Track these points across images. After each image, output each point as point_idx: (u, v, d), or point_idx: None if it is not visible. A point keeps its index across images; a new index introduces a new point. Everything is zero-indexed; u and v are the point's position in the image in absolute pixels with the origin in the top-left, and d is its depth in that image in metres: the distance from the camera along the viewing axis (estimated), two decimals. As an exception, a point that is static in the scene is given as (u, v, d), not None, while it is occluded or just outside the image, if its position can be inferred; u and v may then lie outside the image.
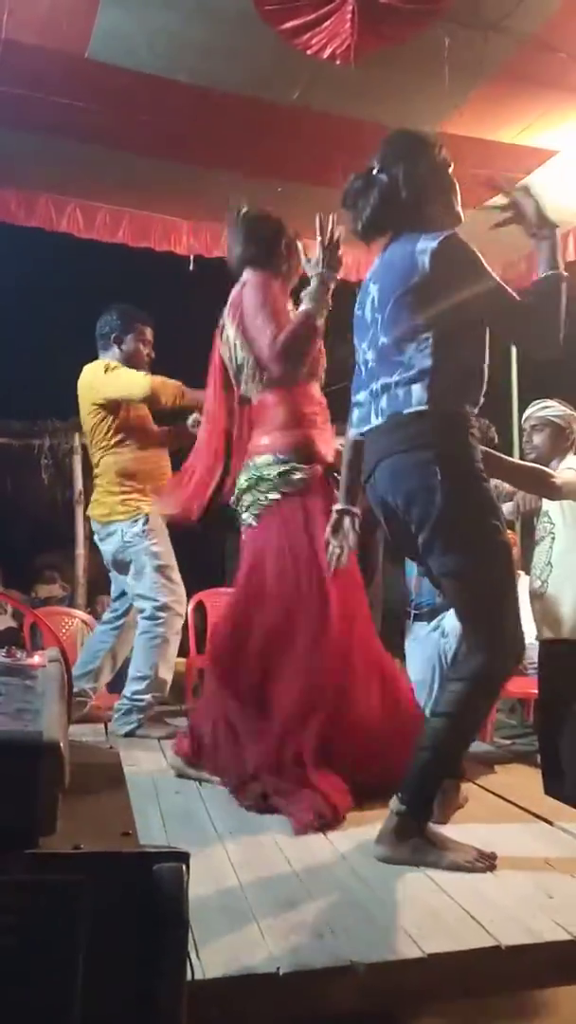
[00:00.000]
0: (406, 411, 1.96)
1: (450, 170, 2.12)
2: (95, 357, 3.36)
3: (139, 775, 2.43)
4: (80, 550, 6.32)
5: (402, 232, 2.05)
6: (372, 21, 3.04)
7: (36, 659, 1.18)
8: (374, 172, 2.10)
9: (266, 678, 2.42)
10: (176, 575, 3.21)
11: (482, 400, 2.04)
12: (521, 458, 3.05)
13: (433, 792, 1.92)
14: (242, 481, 2.61)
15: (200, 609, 4.27)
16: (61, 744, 0.83)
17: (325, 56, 3.17)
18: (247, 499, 2.60)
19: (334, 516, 2.30)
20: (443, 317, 1.95)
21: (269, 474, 2.54)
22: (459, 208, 2.12)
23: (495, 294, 1.94)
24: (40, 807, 0.81)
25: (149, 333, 3.39)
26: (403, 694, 2.52)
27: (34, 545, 7.06)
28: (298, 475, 2.52)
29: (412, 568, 3.31)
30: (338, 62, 3.18)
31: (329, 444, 2.62)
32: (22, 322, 7.27)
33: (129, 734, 3.04)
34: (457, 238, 1.98)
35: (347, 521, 2.26)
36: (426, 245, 1.95)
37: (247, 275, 2.63)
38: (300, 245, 2.72)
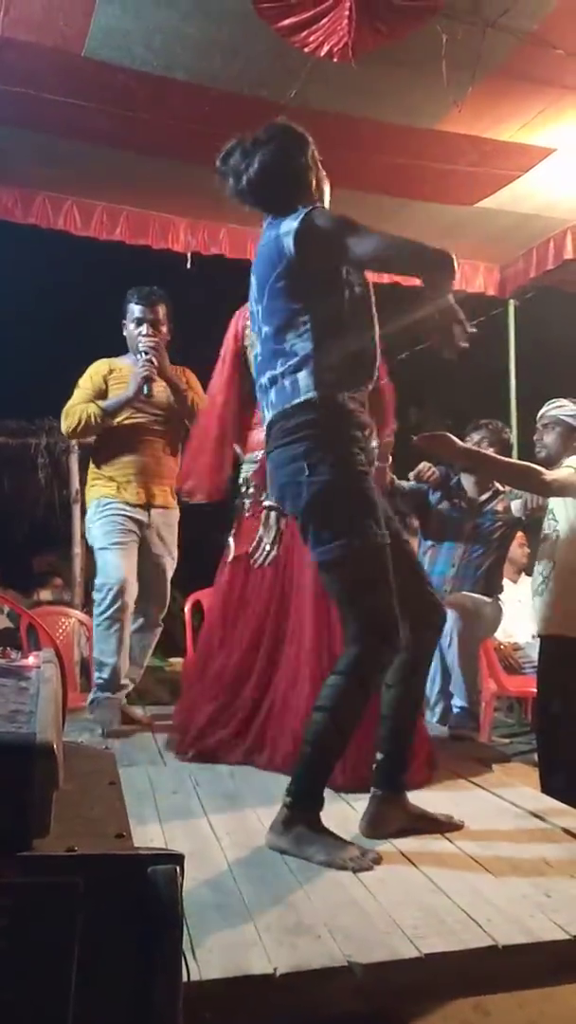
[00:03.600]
0: (293, 402, 1.94)
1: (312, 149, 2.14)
2: (90, 355, 3.35)
3: (136, 776, 2.43)
4: (77, 549, 6.30)
5: (272, 216, 2.03)
6: (370, 18, 3.03)
7: (31, 660, 1.17)
8: (256, 144, 2.11)
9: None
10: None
11: (370, 383, 2.01)
12: (533, 456, 3.06)
13: (317, 786, 1.92)
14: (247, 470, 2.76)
15: (199, 610, 4.26)
16: (55, 746, 0.82)
17: (323, 53, 3.15)
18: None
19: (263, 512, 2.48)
20: (318, 298, 1.93)
21: None
22: (326, 199, 2.12)
23: (361, 234, 1.89)
24: (33, 809, 0.81)
25: (139, 311, 3.28)
26: None
27: (31, 544, 7.05)
28: None
29: (430, 566, 3.34)
30: (336, 59, 3.16)
31: None
32: (18, 321, 7.26)
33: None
34: (319, 210, 1.95)
35: (272, 516, 2.38)
36: (289, 226, 1.93)
37: None
38: None
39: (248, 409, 2.83)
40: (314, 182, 2.10)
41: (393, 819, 2.01)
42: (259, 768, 2.53)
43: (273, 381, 1.99)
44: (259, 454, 2.69)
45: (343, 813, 2.16)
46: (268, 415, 2.03)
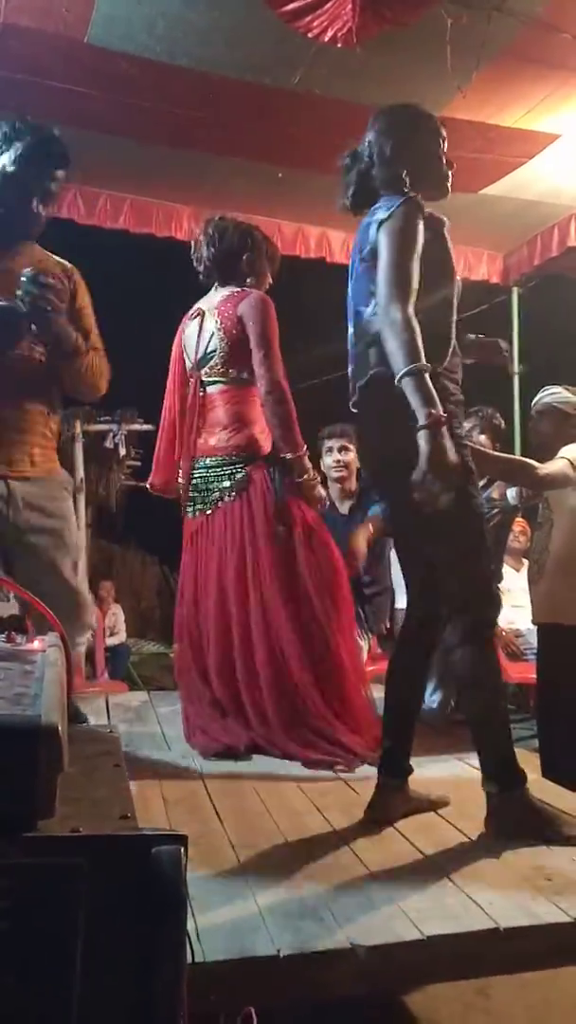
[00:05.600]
0: (369, 374, 2.00)
1: (439, 139, 2.12)
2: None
3: (141, 759, 2.45)
4: (82, 534, 6.34)
5: (378, 200, 2.04)
6: (374, 3, 3.02)
7: (36, 644, 1.18)
8: (358, 149, 2.13)
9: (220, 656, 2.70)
10: None
11: (448, 362, 1.99)
12: (528, 443, 3.06)
13: (509, 762, 1.94)
14: (201, 473, 2.83)
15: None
16: (59, 728, 0.83)
17: (326, 39, 3.15)
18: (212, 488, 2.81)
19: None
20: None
21: (228, 472, 2.78)
22: (443, 174, 2.13)
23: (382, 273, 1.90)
24: (38, 791, 0.82)
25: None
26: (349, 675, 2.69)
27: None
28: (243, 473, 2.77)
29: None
30: (339, 45, 3.16)
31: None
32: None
33: None
34: (406, 208, 1.94)
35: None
36: (380, 216, 1.96)
37: (253, 291, 2.85)
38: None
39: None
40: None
41: (399, 804, 2.04)
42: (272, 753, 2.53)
43: (355, 357, 2.08)
44: (207, 460, 2.81)
45: (347, 798, 2.18)
46: (351, 392, 2.11)
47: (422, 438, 1.77)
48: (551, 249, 4.98)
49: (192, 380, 2.86)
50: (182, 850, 0.83)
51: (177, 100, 3.79)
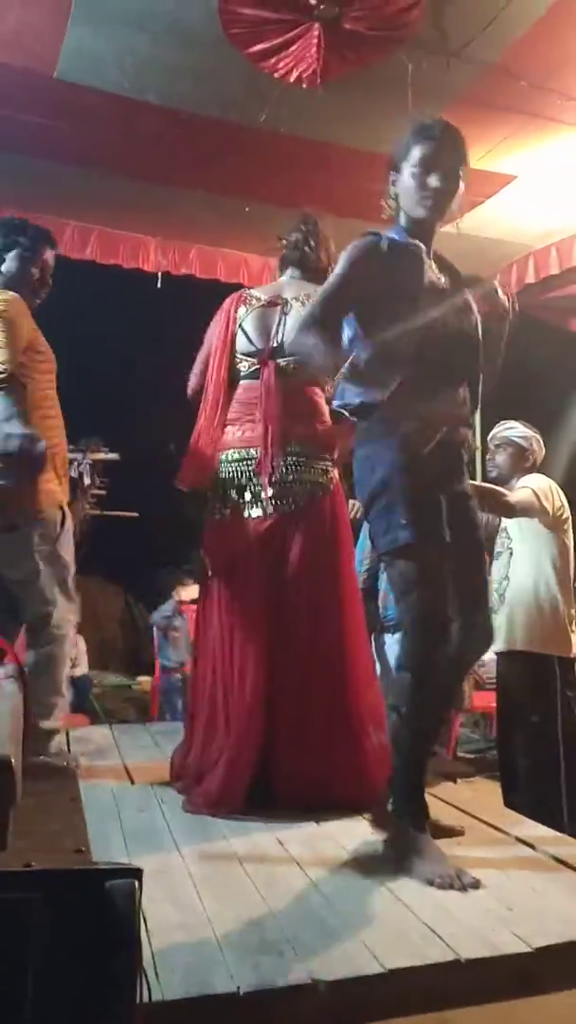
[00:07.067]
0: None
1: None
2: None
3: (101, 793, 2.41)
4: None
5: None
6: (337, 46, 3.10)
7: (-8, 675, 1.17)
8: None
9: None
10: None
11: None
12: (484, 475, 3.12)
13: (411, 793, 1.93)
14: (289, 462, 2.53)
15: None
16: (12, 761, 0.82)
17: (292, 79, 3.22)
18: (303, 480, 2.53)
19: None
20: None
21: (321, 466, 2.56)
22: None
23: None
24: (-9, 824, 0.81)
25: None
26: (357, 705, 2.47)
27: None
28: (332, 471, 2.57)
29: (383, 582, 3.36)
30: (304, 85, 3.23)
31: None
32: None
33: None
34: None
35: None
36: None
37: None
38: None
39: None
40: None
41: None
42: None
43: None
44: (232, 453, 2.56)
45: (308, 830, 2.16)
46: None
47: None
48: (509, 286, 5.09)
49: (266, 368, 2.57)
50: (136, 884, 0.82)
51: (145, 135, 3.83)
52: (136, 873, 0.83)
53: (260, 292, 2.75)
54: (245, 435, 2.56)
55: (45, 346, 2.60)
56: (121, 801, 2.38)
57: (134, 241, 4.78)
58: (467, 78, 3.42)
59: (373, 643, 3.49)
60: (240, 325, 2.66)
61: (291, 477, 2.50)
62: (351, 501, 3.39)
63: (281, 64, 3.18)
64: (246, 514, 2.52)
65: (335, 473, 2.57)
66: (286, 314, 2.62)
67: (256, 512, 2.51)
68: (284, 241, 2.81)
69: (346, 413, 2.02)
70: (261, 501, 2.50)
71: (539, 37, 3.20)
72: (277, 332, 2.61)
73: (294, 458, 2.51)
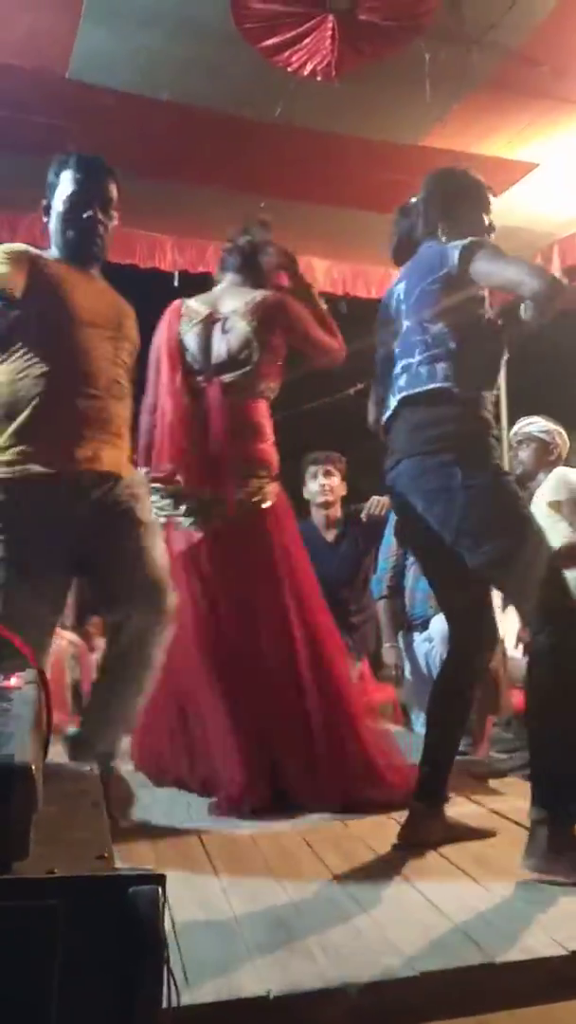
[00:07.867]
0: (428, 387, 1.98)
1: (485, 206, 2.20)
2: None
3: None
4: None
5: (429, 242, 2.14)
6: (352, 38, 3.06)
7: (12, 681, 1.16)
8: (408, 204, 2.26)
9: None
10: None
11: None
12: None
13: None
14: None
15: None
16: (33, 767, 0.81)
17: (306, 73, 3.18)
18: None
19: None
20: (466, 307, 2.01)
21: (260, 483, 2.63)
22: (487, 222, 2.20)
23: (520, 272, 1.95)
24: (12, 831, 0.79)
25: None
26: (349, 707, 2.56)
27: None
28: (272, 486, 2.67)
29: (415, 581, 3.33)
30: (319, 79, 3.20)
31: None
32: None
33: None
34: (483, 239, 2.06)
35: None
36: (457, 244, 2.02)
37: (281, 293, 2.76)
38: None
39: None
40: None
41: (437, 829, 2.02)
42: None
43: (406, 368, 2.06)
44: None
45: (337, 833, 2.14)
46: (393, 402, 2.09)
47: None
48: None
49: (210, 385, 2.66)
50: (160, 890, 0.80)
51: (159, 133, 3.82)
52: (160, 879, 0.82)
53: (198, 304, 2.78)
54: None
55: None
56: (146, 803, 2.37)
57: (150, 240, 4.76)
58: (487, 65, 3.35)
59: (401, 641, 3.46)
60: (181, 340, 2.73)
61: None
62: (373, 497, 3.37)
63: (295, 58, 3.15)
64: (182, 526, 2.62)
65: (273, 487, 2.66)
66: (226, 331, 2.66)
67: (188, 523, 2.62)
68: (230, 243, 2.86)
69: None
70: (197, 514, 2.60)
71: (562, 21, 3.14)
72: (219, 348, 2.67)
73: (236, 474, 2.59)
